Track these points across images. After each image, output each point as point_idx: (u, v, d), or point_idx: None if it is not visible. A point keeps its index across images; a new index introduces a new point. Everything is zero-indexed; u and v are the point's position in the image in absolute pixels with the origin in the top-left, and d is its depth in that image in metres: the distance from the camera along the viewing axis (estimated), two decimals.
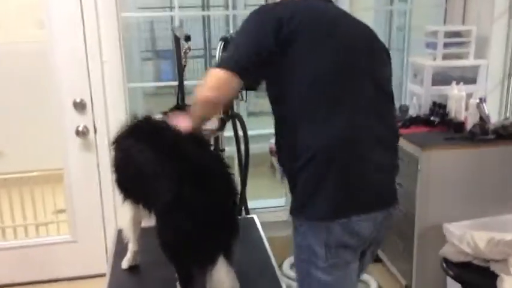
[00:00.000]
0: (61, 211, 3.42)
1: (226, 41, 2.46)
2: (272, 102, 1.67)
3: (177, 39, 2.30)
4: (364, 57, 1.62)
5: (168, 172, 1.54)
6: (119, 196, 3.03)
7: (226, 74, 1.51)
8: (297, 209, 1.62)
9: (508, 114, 3.12)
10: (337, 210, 1.54)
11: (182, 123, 1.72)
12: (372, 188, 1.58)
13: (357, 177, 1.56)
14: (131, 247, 1.92)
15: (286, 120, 1.62)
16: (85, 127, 3.04)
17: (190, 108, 1.68)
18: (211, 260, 1.56)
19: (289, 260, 2.99)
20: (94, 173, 3.13)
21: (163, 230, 1.59)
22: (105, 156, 3.09)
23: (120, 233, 2.25)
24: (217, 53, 2.46)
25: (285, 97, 1.59)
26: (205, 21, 5.19)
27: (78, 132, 3.03)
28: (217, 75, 1.53)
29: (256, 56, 1.54)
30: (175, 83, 3.26)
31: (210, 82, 1.54)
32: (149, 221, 1.84)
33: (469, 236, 1.96)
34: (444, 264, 2.04)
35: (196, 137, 1.67)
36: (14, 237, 3.29)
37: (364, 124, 1.57)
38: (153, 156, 1.60)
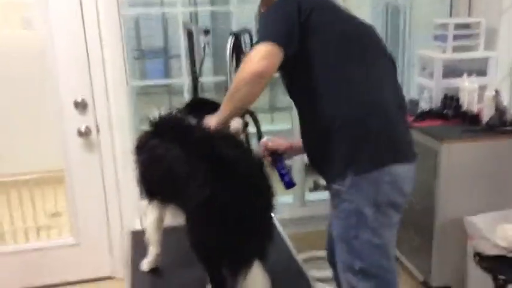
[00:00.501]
0: (56, 215, 3.31)
1: (237, 36, 2.40)
2: (295, 79, 1.71)
3: (190, 34, 2.21)
4: (371, 30, 1.76)
5: (201, 171, 1.47)
6: (124, 197, 3.06)
7: (271, 46, 1.54)
8: (339, 173, 1.63)
9: None
10: (382, 160, 1.60)
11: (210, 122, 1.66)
12: (405, 140, 1.69)
13: (393, 133, 1.64)
14: (153, 249, 1.83)
15: (314, 90, 1.64)
16: (87, 127, 2.93)
17: (227, 97, 1.62)
18: (246, 263, 1.49)
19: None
20: (97, 174, 3.03)
21: (196, 231, 1.52)
22: (109, 156, 3.01)
23: (135, 234, 2.18)
24: (228, 48, 2.39)
25: (313, 66, 1.63)
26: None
27: (80, 133, 2.92)
28: (264, 49, 1.54)
29: (292, 27, 1.59)
30: (179, 81, 3.22)
31: (257, 56, 1.54)
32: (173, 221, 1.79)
33: (501, 229, 1.92)
34: (477, 258, 1.99)
35: (230, 136, 1.60)
36: (14, 242, 3.17)
37: (387, 88, 1.68)
38: (184, 155, 1.54)
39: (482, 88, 2.89)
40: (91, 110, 2.92)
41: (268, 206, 1.55)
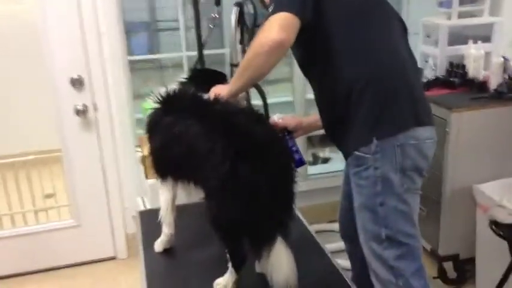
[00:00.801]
0: (49, 196, 3.23)
1: (241, 6, 2.30)
2: (311, 46, 1.65)
3: (195, 4, 2.11)
4: None
5: (223, 147, 1.42)
6: (124, 176, 2.99)
7: (289, 15, 1.48)
8: (363, 139, 1.60)
9: None
10: (406, 123, 1.60)
11: (221, 91, 1.62)
12: (424, 102, 1.68)
13: (413, 95, 1.63)
14: (167, 230, 1.78)
15: (334, 55, 1.61)
16: (84, 105, 2.83)
17: (242, 68, 1.58)
18: (269, 240, 1.44)
19: None
20: (95, 153, 2.95)
21: (217, 207, 1.47)
22: (107, 135, 2.93)
23: (143, 214, 2.13)
24: (232, 20, 2.30)
25: (333, 32, 1.61)
26: None
27: (77, 111, 2.82)
28: (282, 17, 1.48)
29: None
30: (171, 55, 3.10)
31: (275, 26, 1.49)
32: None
33: None
34: (493, 226, 1.98)
35: (249, 110, 1.54)
36: (12, 225, 3.08)
37: (404, 51, 1.68)
38: (204, 131, 1.48)
39: (487, 55, 2.86)
40: (88, 87, 2.81)
41: (290, 182, 1.50)
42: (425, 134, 1.63)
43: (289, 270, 1.45)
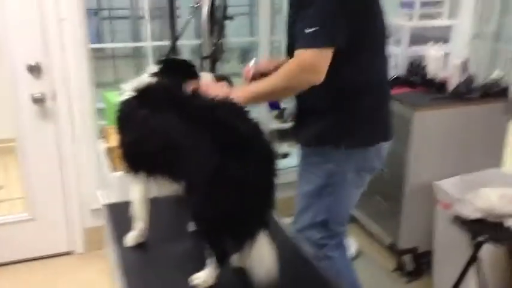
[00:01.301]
0: None
1: None
2: None
3: None
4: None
5: (205, 142, 1.39)
6: (82, 169, 2.88)
7: (329, 52, 1.57)
8: (334, 139, 1.74)
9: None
10: (374, 139, 1.77)
11: (218, 91, 1.61)
12: (391, 120, 1.85)
13: (387, 111, 1.83)
14: (139, 225, 1.73)
15: (335, 62, 1.64)
16: (42, 93, 2.71)
17: (267, 85, 1.67)
18: (253, 235, 1.43)
19: None
20: (52, 144, 2.83)
21: (202, 204, 1.43)
22: (66, 125, 2.81)
23: (110, 208, 2.06)
24: (204, 12, 2.28)
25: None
26: None
27: (34, 100, 2.70)
28: (324, 57, 1.57)
29: (347, 20, 1.60)
30: (143, 44, 3.01)
31: (320, 67, 1.57)
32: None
33: (483, 193, 1.99)
34: (458, 222, 2.06)
35: (231, 104, 1.52)
36: None
37: (386, 67, 1.83)
38: (184, 126, 1.44)
39: (446, 56, 2.96)
40: (46, 74, 2.69)
41: (272, 176, 1.50)
42: (387, 144, 1.84)
43: (271, 263, 1.45)
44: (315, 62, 1.58)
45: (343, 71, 1.65)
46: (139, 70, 4.77)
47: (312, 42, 1.56)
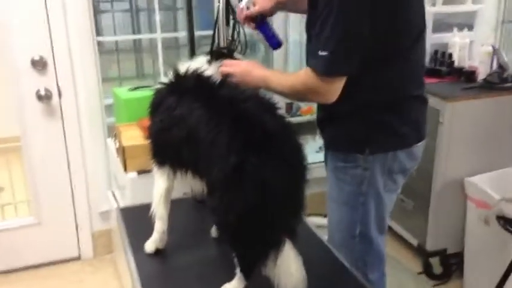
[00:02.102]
0: None
1: None
2: None
3: None
4: None
5: (228, 137, 1.25)
6: (91, 169, 2.73)
7: (342, 80, 1.47)
8: (360, 146, 1.59)
9: None
10: (402, 143, 1.61)
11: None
12: (424, 119, 1.69)
13: (420, 111, 1.66)
14: (160, 226, 1.58)
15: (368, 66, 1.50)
16: (47, 90, 2.56)
17: (281, 83, 1.58)
18: (277, 243, 1.28)
19: None
20: (59, 144, 2.68)
21: (220, 207, 1.29)
22: (73, 123, 2.67)
23: (124, 212, 1.91)
24: (220, 1, 2.14)
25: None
26: None
27: (39, 97, 2.55)
28: (336, 84, 1.47)
29: (363, 41, 1.45)
30: (153, 36, 2.85)
31: (331, 91, 1.49)
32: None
33: None
34: (501, 222, 1.91)
35: (260, 97, 1.37)
36: None
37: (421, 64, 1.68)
38: (208, 117, 1.31)
39: (471, 43, 2.81)
40: (51, 69, 2.54)
41: (301, 180, 1.34)
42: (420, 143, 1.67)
43: (299, 275, 1.30)
44: (323, 87, 1.49)
45: (368, 80, 1.52)
46: (143, 64, 4.65)
47: (324, 69, 1.45)
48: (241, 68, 1.58)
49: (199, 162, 1.35)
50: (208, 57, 1.58)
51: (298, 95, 1.59)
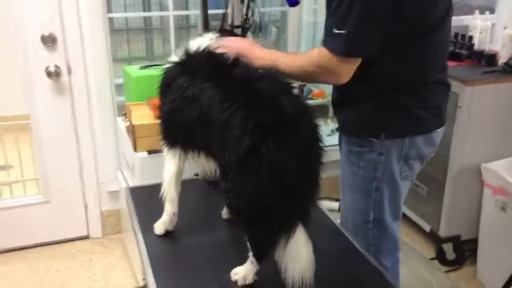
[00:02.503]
0: (4, 168, 2.92)
1: None
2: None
3: None
4: None
5: (241, 118, 1.20)
6: (101, 148, 2.70)
7: (356, 60, 1.41)
8: (373, 128, 1.54)
9: None
10: (419, 128, 1.55)
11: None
12: (445, 105, 1.63)
13: (441, 97, 1.59)
14: (169, 208, 1.54)
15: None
16: (56, 66, 2.52)
17: (286, 60, 1.51)
18: (290, 228, 1.24)
19: None
20: (69, 121, 2.65)
21: (234, 190, 1.24)
22: (83, 101, 2.63)
23: (134, 191, 1.88)
24: None
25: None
26: None
27: (48, 73, 2.50)
28: (350, 64, 1.41)
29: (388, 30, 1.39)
30: (165, 14, 2.78)
31: (344, 71, 1.43)
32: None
33: None
34: None
35: (275, 76, 1.32)
36: None
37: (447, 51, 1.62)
38: (220, 97, 1.26)
39: (492, 26, 2.72)
40: (61, 46, 2.49)
41: (318, 163, 1.29)
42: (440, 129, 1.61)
43: (307, 262, 1.26)
44: (338, 68, 1.43)
45: (387, 60, 1.45)
46: (153, 44, 4.58)
47: (338, 48, 1.39)
48: (242, 45, 1.51)
49: (213, 144, 1.31)
50: (217, 34, 1.52)
51: (309, 76, 1.51)
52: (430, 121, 1.57)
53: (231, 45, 1.44)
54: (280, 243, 1.26)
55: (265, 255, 1.33)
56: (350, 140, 1.62)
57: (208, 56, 1.38)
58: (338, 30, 1.37)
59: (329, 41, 1.41)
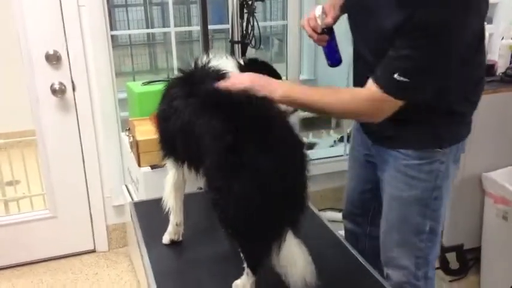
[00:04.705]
0: (9, 183, 2.96)
1: None
2: None
3: None
4: None
5: (220, 121, 1.23)
6: (105, 163, 2.74)
7: (399, 103, 1.36)
8: (439, 138, 1.52)
9: None
10: (470, 128, 1.61)
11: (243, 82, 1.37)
12: None
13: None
14: (172, 218, 1.58)
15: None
16: (61, 84, 2.56)
17: (314, 95, 1.44)
18: (280, 235, 1.26)
19: None
20: (74, 137, 2.69)
21: (219, 201, 1.27)
22: (87, 117, 2.67)
23: (138, 206, 1.91)
24: None
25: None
26: None
27: (53, 91, 2.55)
28: (392, 106, 1.37)
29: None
30: (167, 30, 2.82)
31: (386, 110, 1.39)
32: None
33: None
34: None
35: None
36: None
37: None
38: (199, 106, 1.29)
39: (490, 36, 2.75)
40: (65, 63, 2.54)
41: (302, 168, 1.29)
42: None
43: (304, 264, 1.27)
44: (389, 108, 1.38)
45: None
46: (156, 58, 4.62)
47: (397, 93, 1.34)
48: (250, 78, 1.38)
49: (194, 154, 1.34)
50: (237, 61, 1.52)
51: (350, 112, 1.45)
52: (472, 120, 1.61)
53: (236, 82, 1.35)
54: (273, 252, 1.28)
55: (259, 266, 1.35)
56: (404, 153, 1.54)
57: (202, 70, 1.42)
58: (401, 77, 1.31)
59: (387, 83, 1.34)
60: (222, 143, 1.19)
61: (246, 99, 1.28)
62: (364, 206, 1.84)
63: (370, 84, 1.36)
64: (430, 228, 1.58)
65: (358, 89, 1.42)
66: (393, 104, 1.36)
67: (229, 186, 1.22)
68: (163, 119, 1.44)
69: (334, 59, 1.63)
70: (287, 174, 1.23)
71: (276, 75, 1.54)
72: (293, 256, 1.27)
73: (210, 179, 1.29)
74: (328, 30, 1.60)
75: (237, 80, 1.36)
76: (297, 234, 1.30)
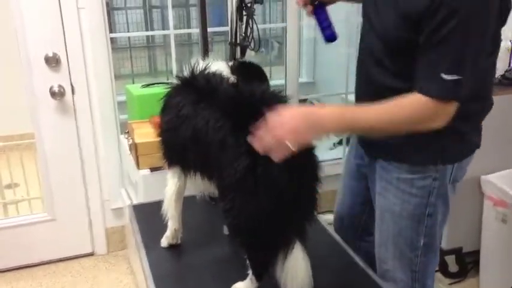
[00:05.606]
0: (8, 186, 2.96)
1: None
2: None
3: None
4: None
5: (237, 138, 1.23)
6: (104, 166, 2.74)
7: (455, 104, 1.29)
8: (434, 154, 1.47)
9: None
10: (471, 149, 1.55)
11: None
12: None
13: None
14: (171, 224, 1.59)
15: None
16: (60, 86, 2.56)
17: (371, 119, 1.30)
18: (288, 245, 1.28)
19: None
20: (73, 140, 2.68)
21: (235, 210, 1.28)
22: (86, 120, 2.67)
23: (137, 209, 1.92)
24: None
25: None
26: None
27: (52, 93, 2.55)
28: (450, 110, 1.28)
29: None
30: (166, 32, 2.83)
31: (444, 116, 1.29)
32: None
33: None
34: None
35: (270, 93, 1.35)
36: None
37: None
38: (214, 117, 1.29)
39: None
40: (65, 66, 2.54)
41: (315, 180, 1.32)
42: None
43: (305, 280, 1.30)
44: (451, 113, 1.29)
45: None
46: (156, 61, 4.62)
47: (454, 93, 1.26)
48: (290, 127, 1.22)
49: (208, 165, 1.34)
50: (229, 63, 1.54)
51: (402, 126, 1.32)
52: (477, 142, 1.55)
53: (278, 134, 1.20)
54: (278, 261, 1.29)
55: (264, 273, 1.36)
56: (398, 167, 1.50)
57: (205, 76, 1.42)
58: (451, 75, 1.23)
59: (435, 86, 1.25)
60: (242, 162, 1.20)
61: (265, 109, 1.24)
62: (354, 222, 1.81)
63: (413, 95, 1.28)
64: (425, 244, 1.54)
65: (405, 101, 1.29)
66: (444, 109, 1.28)
67: (245, 199, 1.24)
68: (170, 129, 1.43)
69: (326, 34, 1.62)
70: (300, 188, 1.26)
71: (264, 78, 1.55)
72: (296, 270, 1.29)
73: (225, 189, 1.30)
74: (318, 3, 1.61)
75: (280, 130, 1.21)
76: (304, 244, 1.31)
